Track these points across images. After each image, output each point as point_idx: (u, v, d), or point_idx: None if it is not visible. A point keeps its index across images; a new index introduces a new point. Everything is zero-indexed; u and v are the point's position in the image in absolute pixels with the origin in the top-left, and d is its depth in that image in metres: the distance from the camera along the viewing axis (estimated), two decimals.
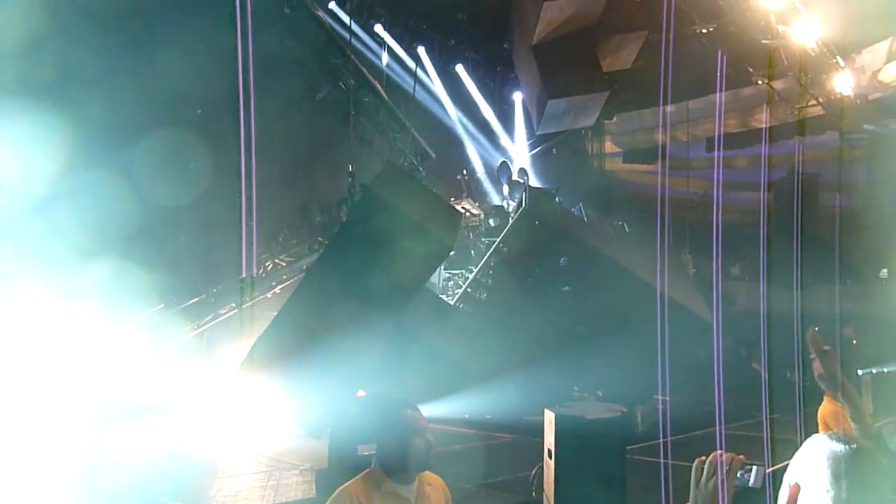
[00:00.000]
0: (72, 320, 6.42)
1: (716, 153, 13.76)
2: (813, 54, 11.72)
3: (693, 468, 1.88)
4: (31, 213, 6.86)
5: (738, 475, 1.83)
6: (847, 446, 1.54)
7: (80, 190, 7.26)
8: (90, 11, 8.18)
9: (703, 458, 1.87)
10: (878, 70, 12.43)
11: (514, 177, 12.38)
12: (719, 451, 1.87)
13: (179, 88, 8.82)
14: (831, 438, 1.58)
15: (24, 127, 6.53)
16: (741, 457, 1.84)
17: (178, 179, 9.26)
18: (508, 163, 12.92)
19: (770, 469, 1.68)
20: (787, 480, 1.60)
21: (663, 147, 16.84)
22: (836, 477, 1.51)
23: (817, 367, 2.54)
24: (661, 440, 8.55)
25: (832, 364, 2.55)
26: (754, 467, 1.83)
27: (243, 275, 9.38)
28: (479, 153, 16.65)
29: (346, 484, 2.73)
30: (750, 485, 1.81)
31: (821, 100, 12.82)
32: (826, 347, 2.51)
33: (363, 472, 2.74)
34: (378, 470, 2.69)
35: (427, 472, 2.77)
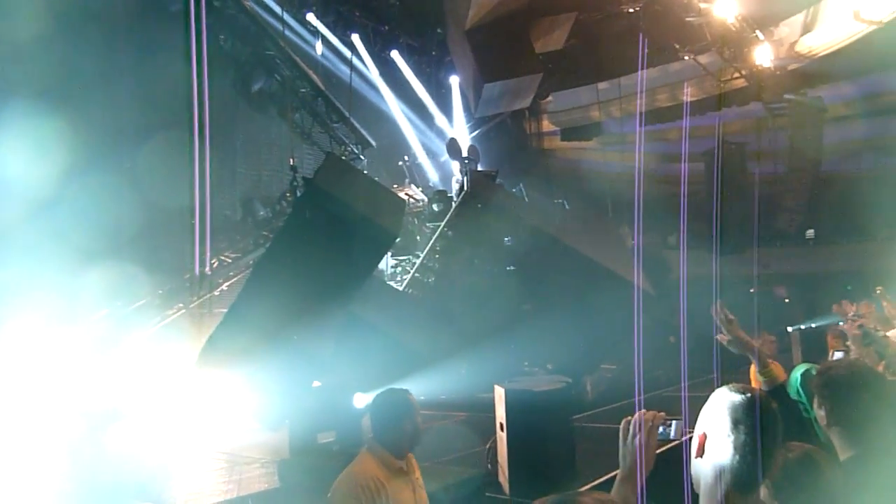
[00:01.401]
0: (21, 324, 6.32)
1: (636, 128, 14.18)
2: (734, 29, 12.20)
3: (621, 428, 2.10)
4: None
5: (661, 430, 2.06)
6: (744, 395, 1.76)
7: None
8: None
9: (629, 417, 2.09)
10: (795, 42, 13.00)
11: (465, 154, 12.51)
12: (642, 411, 2.10)
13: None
14: (731, 390, 1.80)
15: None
16: (661, 414, 2.07)
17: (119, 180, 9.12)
18: (457, 141, 13.01)
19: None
20: (696, 430, 1.82)
21: (598, 124, 17.24)
22: (735, 423, 1.72)
23: (723, 336, 2.85)
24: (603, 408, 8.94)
25: (736, 331, 2.86)
26: (673, 422, 2.07)
27: (195, 273, 9.31)
28: (419, 139, 16.73)
29: (355, 467, 2.97)
30: (671, 437, 2.05)
31: (744, 72, 13.34)
32: (730, 317, 2.82)
33: (363, 454, 3.01)
34: (380, 449, 2.99)
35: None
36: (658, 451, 2.06)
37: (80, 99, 8.43)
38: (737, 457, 1.69)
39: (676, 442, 2.10)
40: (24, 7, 7.05)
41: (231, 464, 6.77)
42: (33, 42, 7.04)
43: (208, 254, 9.58)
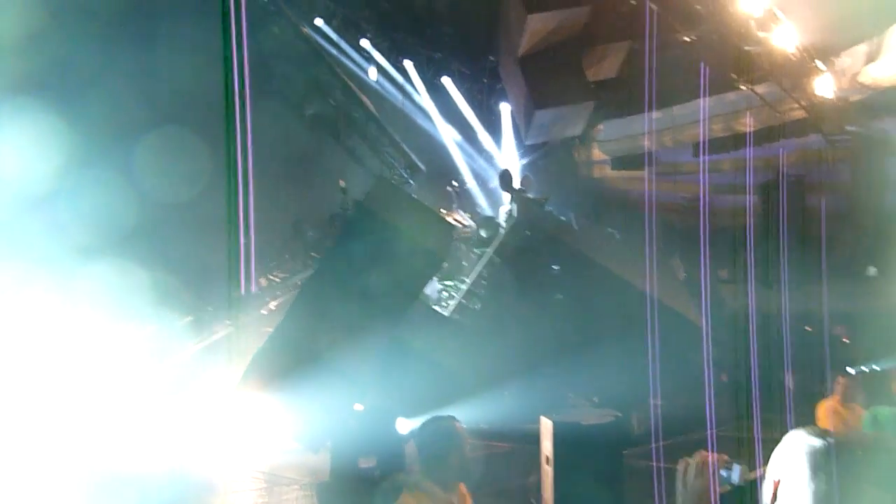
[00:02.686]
0: (71, 325, 6.44)
1: (700, 158, 13.91)
2: (794, 59, 11.92)
3: (678, 469, 1.97)
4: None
5: (722, 473, 1.93)
6: (824, 441, 1.63)
7: (76, 191, 7.28)
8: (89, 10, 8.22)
9: (688, 458, 1.96)
10: (858, 72, 12.63)
11: (519, 186, 12.48)
12: (704, 452, 1.96)
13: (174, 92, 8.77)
14: (809, 433, 1.66)
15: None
16: (724, 456, 1.94)
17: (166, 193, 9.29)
18: (510, 172, 13.02)
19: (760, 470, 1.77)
20: (769, 475, 1.68)
21: (650, 153, 17.00)
22: (815, 470, 1.59)
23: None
24: (654, 444, 8.66)
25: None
26: (735, 465, 1.93)
27: (241, 292, 9.42)
28: (468, 164, 16.78)
29: (404, 499, 2.85)
30: (732, 481, 1.91)
31: (803, 103, 13.01)
32: None
33: (409, 486, 2.89)
34: (425, 482, 2.87)
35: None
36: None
37: (118, 96, 8.46)
38: None
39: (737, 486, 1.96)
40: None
41: (270, 484, 6.75)
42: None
43: (252, 274, 9.67)
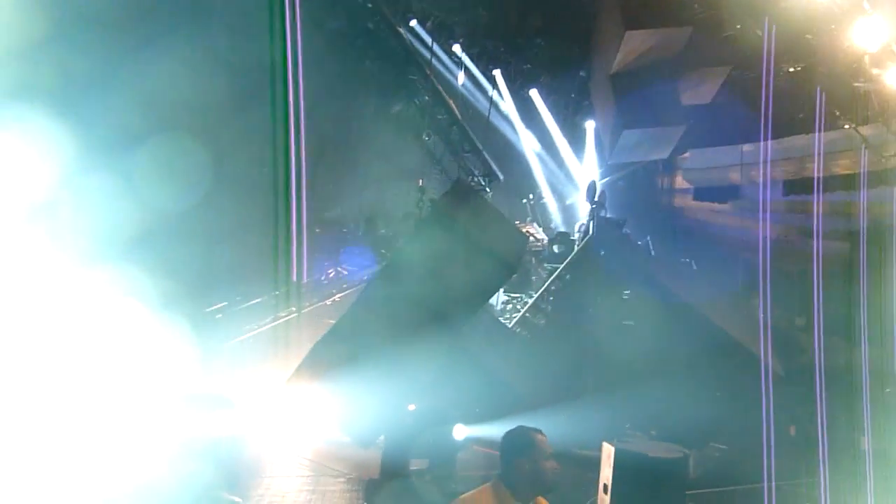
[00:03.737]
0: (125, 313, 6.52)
1: (799, 196, 13.27)
2: None
3: None
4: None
5: None
6: None
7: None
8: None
9: None
10: None
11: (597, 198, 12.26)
12: None
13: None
14: None
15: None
16: None
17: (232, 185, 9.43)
18: (596, 184, 12.77)
19: None
20: None
21: (736, 186, 16.39)
22: None
23: None
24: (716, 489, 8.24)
25: None
26: None
27: (294, 279, 9.48)
28: (546, 178, 16.57)
29: (469, 495, 2.95)
30: None
31: None
32: None
33: (485, 487, 2.95)
34: (503, 488, 2.91)
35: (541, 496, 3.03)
36: None
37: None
38: None
39: None
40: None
41: (316, 474, 6.72)
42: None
43: (304, 264, 9.71)
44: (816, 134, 10.28)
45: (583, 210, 13.38)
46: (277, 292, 10.39)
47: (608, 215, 12.39)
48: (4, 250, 5.48)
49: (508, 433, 3.02)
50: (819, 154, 11.59)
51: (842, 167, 14.06)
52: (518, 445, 2.94)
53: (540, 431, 3.04)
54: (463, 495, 2.93)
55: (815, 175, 12.04)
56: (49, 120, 6.43)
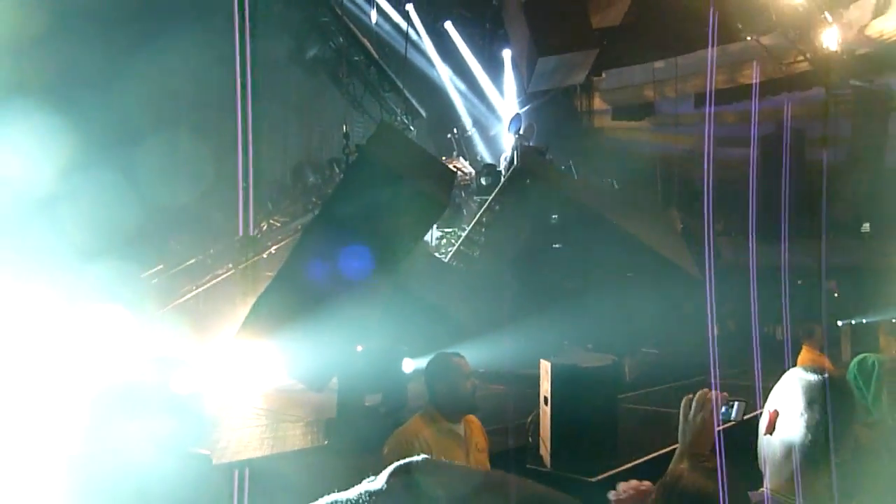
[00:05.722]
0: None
1: (706, 109, 13.82)
2: (801, 10, 11.78)
3: (682, 404, 2.09)
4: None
5: (723, 410, 2.05)
6: (819, 376, 1.75)
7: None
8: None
9: (691, 395, 2.08)
10: (866, 25, 12.50)
11: (521, 131, 12.41)
12: (707, 389, 2.09)
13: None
14: (806, 370, 1.79)
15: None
16: (724, 394, 2.06)
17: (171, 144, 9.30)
18: (522, 117, 12.85)
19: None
20: (767, 408, 1.81)
21: (651, 104, 16.90)
22: (810, 402, 1.72)
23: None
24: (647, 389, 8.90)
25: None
26: (736, 403, 2.06)
27: (240, 235, 9.51)
28: (469, 111, 16.64)
29: (404, 426, 3.13)
30: (732, 418, 2.04)
31: (808, 55, 12.91)
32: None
33: (416, 415, 3.16)
34: (433, 411, 3.10)
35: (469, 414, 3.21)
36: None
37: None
38: (809, 436, 1.69)
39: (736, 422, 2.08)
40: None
41: (275, 421, 6.94)
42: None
43: (251, 218, 9.76)
44: (710, 49, 10.68)
45: (507, 141, 13.57)
46: (212, 251, 10.35)
47: (531, 143, 12.66)
48: None
49: (433, 361, 3.20)
50: (712, 69, 12.04)
51: (746, 77, 14.69)
52: (438, 370, 3.13)
53: (458, 354, 3.23)
54: (398, 428, 3.11)
55: (708, 88, 12.51)
56: None
